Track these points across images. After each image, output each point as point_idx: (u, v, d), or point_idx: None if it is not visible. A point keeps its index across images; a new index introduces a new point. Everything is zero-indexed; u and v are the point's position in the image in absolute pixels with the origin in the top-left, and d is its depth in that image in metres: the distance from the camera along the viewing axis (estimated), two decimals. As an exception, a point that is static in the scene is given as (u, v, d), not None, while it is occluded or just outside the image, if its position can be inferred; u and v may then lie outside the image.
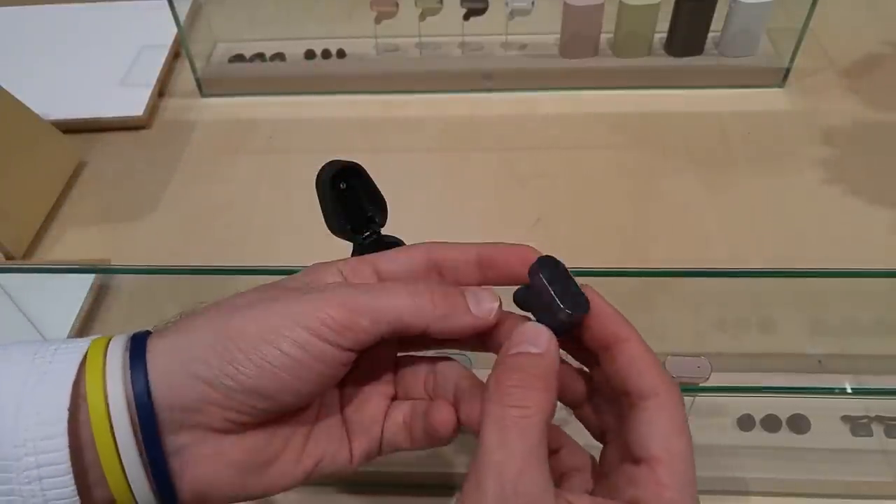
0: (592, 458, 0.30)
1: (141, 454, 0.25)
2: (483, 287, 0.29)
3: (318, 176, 0.34)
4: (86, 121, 0.68)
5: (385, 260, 0.30)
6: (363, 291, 0.27)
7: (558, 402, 0.27)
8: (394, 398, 0.32)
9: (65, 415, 0.24)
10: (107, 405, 0.24)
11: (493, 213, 0.60)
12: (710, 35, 0.70)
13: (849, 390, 0.40)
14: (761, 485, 0.44)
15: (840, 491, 0.43)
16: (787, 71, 0.70)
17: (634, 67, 0.71)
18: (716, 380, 0.39)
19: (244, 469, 0.27)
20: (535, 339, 0.27)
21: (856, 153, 0.64)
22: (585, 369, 0.31)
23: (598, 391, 0.30)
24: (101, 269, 0.55)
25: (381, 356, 0.31)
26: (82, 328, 0.51)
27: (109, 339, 0.27)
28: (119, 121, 0.69)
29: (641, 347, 0.27)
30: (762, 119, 0.68)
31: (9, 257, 0.55)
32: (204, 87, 0.73)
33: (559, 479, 0.30)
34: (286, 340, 0.25)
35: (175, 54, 0.77)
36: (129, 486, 0.25)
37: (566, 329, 0.28)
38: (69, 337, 0.49)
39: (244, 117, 0.71)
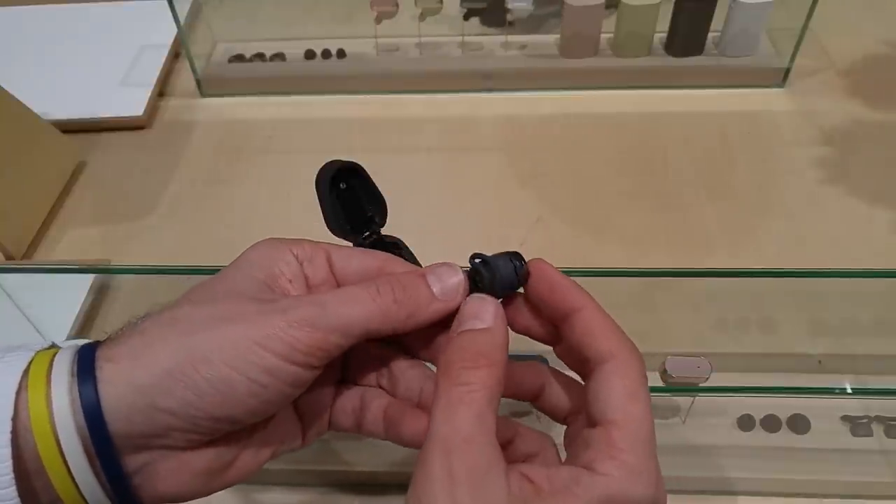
0: (552, 439, 0.30)
1: (97, 474, 0.24)
2: (443, 263, 0.29)
3: (317, 176, 0.34)
4: (86, 121, 0.68)
5: (339, 254, 0.30)
6: (328, 306, 0.26)
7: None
8: (341, 381, 0.31)
9: (7, 426, 0.23)
10: (53, 426, 0.23)
11: (493, 213, 0.60)
12: (710, 35, 0.70)
13: (849, 390, 0.40)
14: (761, 485, 0.44)
15: (840, 491, 0.43)
16: (787, 71, 0.70)
17: (634, 67, 0.71)
18: (716, 380, 0.39)
19: (207, 475, 0.27)
20: (482, 312, 0.27)
21: (856, 153, 0.64)
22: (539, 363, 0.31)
23: (556, 375, 0.30)
24: (101, 269, 0.55)
25: None
26: (82, 328, 0.51)
27: (54, 356, 0.25)
28: (119, 121, 0.69)
29: (597, 313, 0.27)
30: (762, 119, 0.68)
31: (9, 257, 0.55)
32: (204, 87, 0.73)
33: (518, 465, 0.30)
34: (254, 368, 0.24)
35: (175, 54, 0.77)
36: (82, 498, 0.24)
37: (512, 281, 0.28)
38: (69, 337, 0.49)
39: (244, 117, 0.71)
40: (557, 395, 0.30)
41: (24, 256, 0.57)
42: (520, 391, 0.30)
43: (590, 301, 0.27)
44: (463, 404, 0.24)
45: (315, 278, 0.29)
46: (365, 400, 0.31)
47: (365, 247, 0.34)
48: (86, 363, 0.24)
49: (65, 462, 0.23)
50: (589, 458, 0.24)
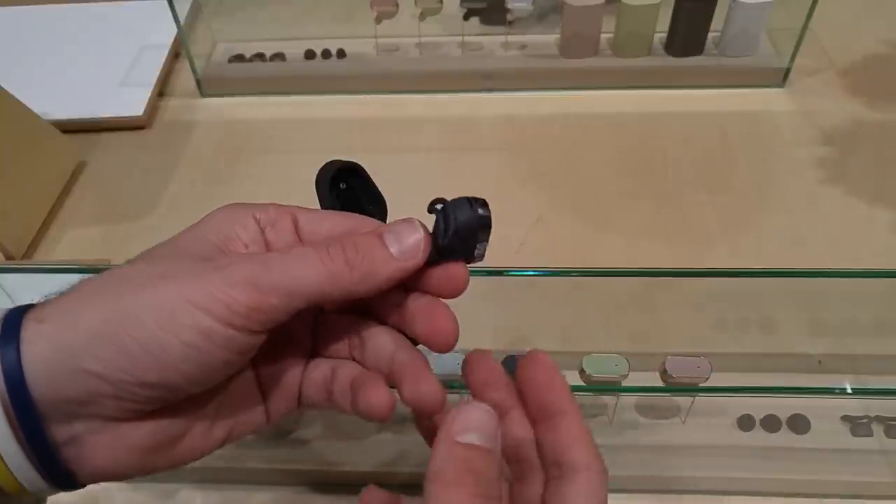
0: None
1: (21, 444, 0.22)
2: (402, 219, 0.27)
3: (317, 176, 0.34)
4: (86, 121, 0.68)
5: (308, 218, 0.28)
6: (271, 264, 0.24)
7: None
8: (312, 353, 0.30)
9: None
10: None
11: (493, 213, 0.60)
12: (710, 35, 0.70)
13: (849, 390, 0.40)
14: (761, 485, 0.44)
15: (840, 491, 0.43)
16: (787, 71, 0.70)
17: (634, 67, 0.71)
18: (716, 380, 0.39)
19: (147, 451, 0.25)
20: (486, 428, 0.24)
21: (856, 153, 0.64)
22: None
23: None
24: (101, 269, 0.55)
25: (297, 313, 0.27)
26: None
27: None
28: (119, 121, 0.69)
29: (581, 422, 0.26)
30: (762, 119, 0.68)
31: (9, 257, 0.55)
32: (204, 87, 0.73)
33: None
34: (187, 330, 0.22)
35: (175, 54, 0.77)
36: (12, 474, 0.23)
37: (480, 223, 0.27)
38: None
39: (244, 117, 0.71)
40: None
41: (24, 256, 0.57)
42: None
43: (578, 409, 0.27)
44: None
45: (278, 242, 0.27)
46: (336, 373, 0.29)
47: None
48: (12, 324, 0.23)
49: None
50: None
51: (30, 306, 0.24)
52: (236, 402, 0.27)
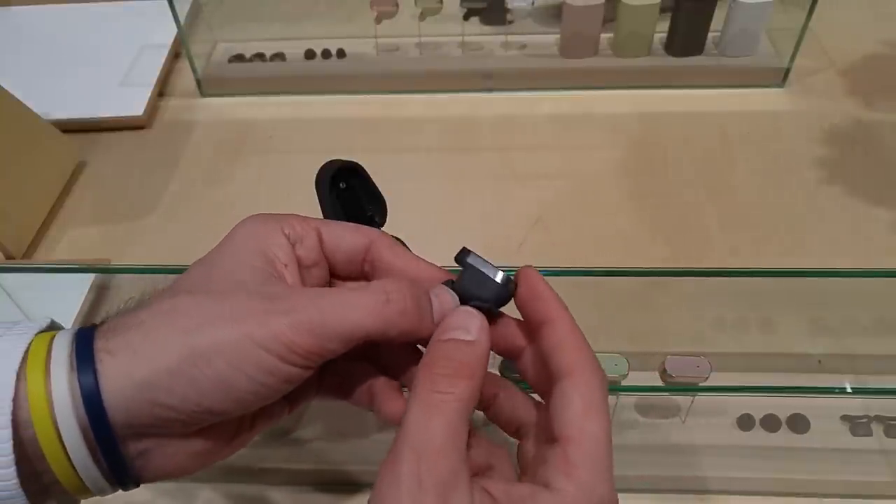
0: (507, 452, 0.30)
1: (97, 461, 0.25)
2: (442, 286, 0.29)
3: (317, 176, 0.34)
4: (86, 121, 0.68)
5: (331, 233, 0.30)
6: (330, 312, 0.25)
7: None
8: None
9: (8, 406, 0.23)
10: (52, 416, 0.24)
11: (493, 213, 0.60)
12: (710, 35, 0.70)
13: (848, 390, 0.40)
14: (761, 485, 0.44)
15: (840, 491, 0.43)
16: (787, 71, 0.70)
17: (634, 67, 0.71)
18: (715, 380, 0.39)
19: (204, 455, 0.27)
20: (468, 324, 0.27)
21: (856, 153, 0.64)
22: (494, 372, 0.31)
23: (509, 386, 0.30)
24: (101, 269, 0.55)
25: None
26: (82, 328, 0.51)
27: (51, 340, 0.25)
28: (119, 121, 0.69)
29: (569, 327, 0.27)
30: (762, 119, 0.68)
31: (9, 257, 0.55)
32: (204, 87, 0.73)
33: (474, 476, 0.30)
34: (255, 368, 0.24)
35: (175, 54, 0.77)
36: (83, 482, 0.25)
37: (502, 301, 0.29)
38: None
39: (244, 117, 0.71)
40: (510, 407, 0.30)
41: (24, 256, 0.57)
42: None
43: (565, 315, 0.27)
44: (440, 412, 0.24)
45: (307, 260, 0.29)
46: (352, 373, 0.31)
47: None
48: (84, 354, 0.24)
49: (65, 452, 0.24)
50: (545, 474, 0.25)
51: (93, 330, 0.25)
52: (270, 407, 0.29)
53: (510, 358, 0.30)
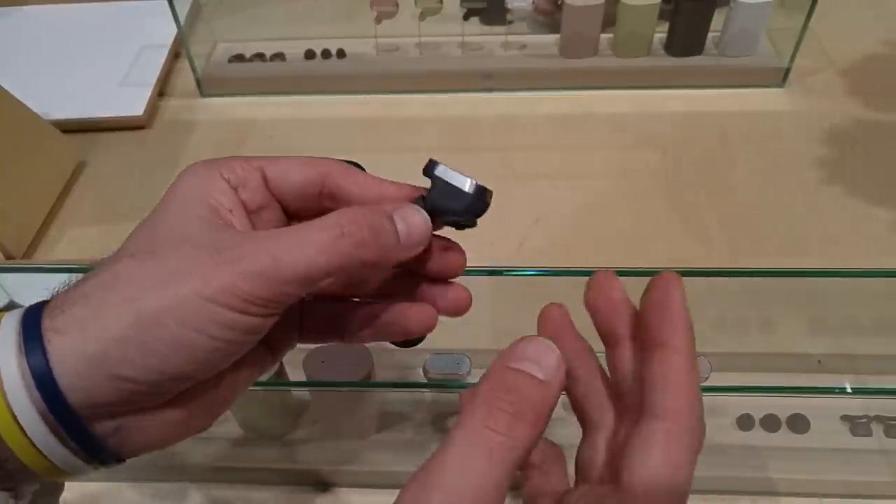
0: (561, 451, 0.29)
1: (64, 441, 0.23)
2: (407, 205, 0.26)
3: (317, 176, 0.34)
4: (86, 121, 0.68)
5: (275, 170, 0.27)
6: (282, 255, 0.23)
7: None
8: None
9: None
10: (6, 402, 0.22)
11: (493, 212, 0.60)
12: (710, 35, 0.70)
13: (848, 390, 0.40)
14: (761, 485, 0.44)
15: (839, 491, 0.43)
16: (787, 71, 0.70)
17: (634, 67, 0.71)
18: (716, 380, 0.39)
19: (185, 423, 0.26)
20: (544, 359, 0.24)
21: (856, 153, 0.64)
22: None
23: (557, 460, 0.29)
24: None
25: None
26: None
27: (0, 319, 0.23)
28: (119, 121, 0.69)
29: (685, 364, 0.24)
30: (762, 119, 0.68)
31: (9, 257, 0.55)
32: (204, 87, 0.73)
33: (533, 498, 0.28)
34: (210, 324, 0.23)
35: (175, 54, 0.77)
36: (52, 463, 0.23)
37: (475, 213, 0.27)
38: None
39: (244, 117, 0.71)
40: (543, 482, 0.28)
41: (24, 256, 0.57)
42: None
43: (689, 349, 0.24)
44: (489, 456, 0.22)
45: (253, 203, 0.27)
46: (336, 309, 0.29)
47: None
48: (32, 334, 0.23)
49: (26, 436, 0.23)
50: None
51: (40, 309, 0.24)
52: (251, 359, 0.27)
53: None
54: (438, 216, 0.27)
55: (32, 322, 0.23)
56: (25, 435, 0.22)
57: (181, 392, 0.24)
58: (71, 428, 0.23)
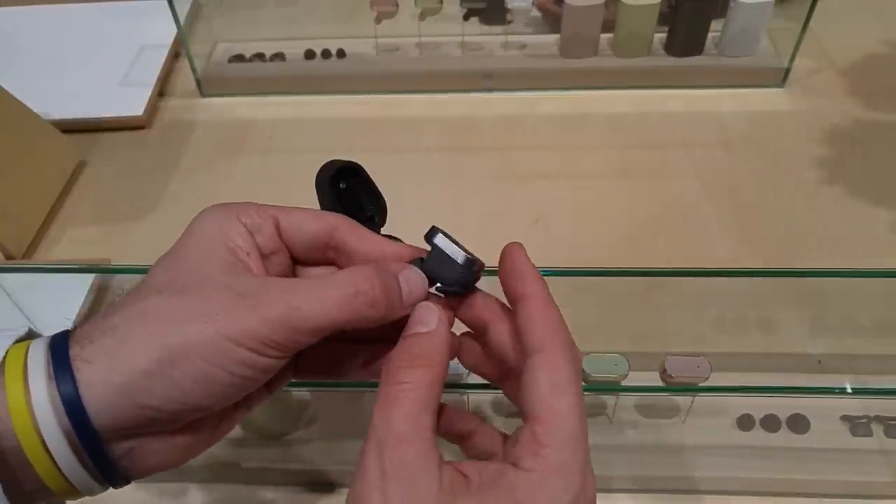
0: (505, 436, 0.30)
1: (84, 464, 0.25)
2: (410, 267, 0.29)
3: (317, 176, 0.34)
4: (86, 121, 0.68)
5: (289, 221, 0.30)
6: (302, 308, 0.26)
7: None
8: None
9: None
10: (36, 427, 0.24)
11: (493, 213, 0.60)
12: (710, 35, 0.70)
13: (848, 390, 0.40)
14: (761, 485, 0.44)
15: (839, 491, 0.43)
16: (787, 71, 0.70)
17: (634, 67, 0.71)
18: (715, 380, 0.39)
19: (191, 446, 0.28)
20: (426, 318, 0.28)
21: (856, 153, 0.64)
22: None
23: (484, 425, 0.30)
24: (101, 269, 0.55)
25: None
26: (82, 328, 0.51)
27: (27, 350, 0.25)
28: (119, 121, 0.69)
29: (542, 304, 0.27)
30: (762, 119, 0.68)
31: (9, 257, 0.55)
32: (204, 87, 0.73)
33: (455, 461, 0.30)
34: (230, 362, 0.25)
35: (175, 54, 0.77)
36: (71, 485, 0.25)
37: (467, 284, 0.29)
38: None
39: (244, 117, 0.71)
40: (482, 442, 0.30)
41: (24, 256, 0.57)
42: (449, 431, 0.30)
43: (541, 292, 0.27)
44: (397, 402, 0.25)
45: (265, 248, 0.29)
46: (332, 350, 0.30)
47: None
48: (62, 363, 0.25)
49: (52, 459, 0.24)
50: (516, 453, 0.25)
51: (67, 337, 0.25)
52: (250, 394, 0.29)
53: (477, 332, 0.30)
54: (432, 281, 0.29)
55: (61, 351, 0.25)
56: (51, 457, 0.24)
57: (192, 420, 0.26)
58: (93, 451, 0.25)
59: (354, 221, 0.30)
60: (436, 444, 0.25)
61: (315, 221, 0.30)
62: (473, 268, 0.28)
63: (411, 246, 0.30)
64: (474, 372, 0.31)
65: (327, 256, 0.30)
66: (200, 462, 0.45)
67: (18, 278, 0.50)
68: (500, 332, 0.29)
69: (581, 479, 0.24)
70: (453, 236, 0.29)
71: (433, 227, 0.29)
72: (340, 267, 0.30)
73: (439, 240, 0.29)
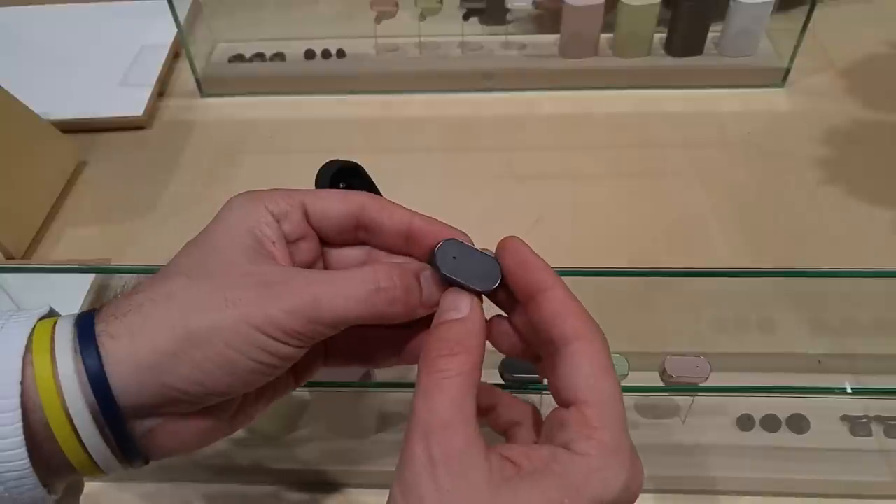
0: (535, 407, 0.30)
1: (106, 439, 0.25)
2: (430, 268, 0.29)
3: (317, 176, 0.34)
4: (86, 121, 0.68)
5: (316, 205, 0.30)
6: (323, 301, 0.26)
7: None
8: None
9: (16, 389, 0.24)
10: (62, 399, 0.24)
11: (493, 213, 0.60)
12: (710, 35, 0.70)
13: (848, 390, 0.40)
14: (761, 485, 0.44)
15: (839, 491, 0.43)
16: (787, 71, 0.70)
17: (634, 67, 0.71)
18: (715, 380, 0.39)
19: (210, 431, 0.28)
20: (458, 303, 0.28)
21: (856, 153, 0.64)
22: None
23: (505, 397, 0.31)
24: (101, 269, 0.55)
25: None
26: (82, 328, 0.51)
27: (54, 325, 0.26)
28: (119, 121, 0.69)
29: (565, 294, 0.27)
30: (762, 119, 0.68)
31: (9, 257, 0.55)
32: (204, 87, 0.73)
33: (501, 434, 0.30)
34: (254, 349, 0.25)
35: (175, 54, 0.77)
36: (93, 461, 0.26)
37: (491, 286, 0.29)
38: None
39: (244, 117, 0.71)
40: (507, 414, 0.30)
41: (24, 256, 0.57)
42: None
43: (559, 282, 0.28)
44: (440, 390, 0.25)
45: (293, 234, 0.29)
46: (362, 337, 0.31)
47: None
48: (87, 338, 0.25)
49: (76, 433, 0.25)
50: (566, 437, 0.25)
51: (93, 315, 0.26)
52: (275, 379, 0.29)
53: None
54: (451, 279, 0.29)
55: (86, 327, 0.26)
56: (76, 433, 0.25)
57: (213, 404, 0.27)
58: (116, 427, 0.25)
59: (381, 198, 0.31)
60: (480, 431, 0.25)
61: (343, 203, 0.30)
62: (488, 291, 0.29)
63: (443, 224, 0.31)
64: (507, 354, 0.31)
65: (358, 237, 0.31)
66: (199, 461, 0.45)
67: (18, 278, 0.50)
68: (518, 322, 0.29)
69: (632, 459, 0.25)
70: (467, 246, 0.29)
71: (447, 240, 0.29)
72: (372, 246, 0.31)
73: (447, 258, 0.29)
